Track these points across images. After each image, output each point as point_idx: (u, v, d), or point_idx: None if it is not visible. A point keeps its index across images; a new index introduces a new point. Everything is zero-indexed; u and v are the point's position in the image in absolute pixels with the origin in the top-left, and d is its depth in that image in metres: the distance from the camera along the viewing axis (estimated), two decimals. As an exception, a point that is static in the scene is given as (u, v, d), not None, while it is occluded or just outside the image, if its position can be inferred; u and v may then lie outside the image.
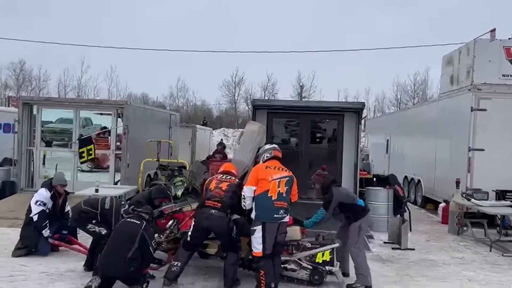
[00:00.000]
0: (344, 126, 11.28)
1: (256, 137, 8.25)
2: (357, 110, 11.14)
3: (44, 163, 13.61)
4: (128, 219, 5.66)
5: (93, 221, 6.42)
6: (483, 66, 11.33)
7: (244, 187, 5.69)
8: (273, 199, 5.51)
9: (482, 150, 10.50)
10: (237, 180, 6.13)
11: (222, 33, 67.94)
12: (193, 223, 5.77)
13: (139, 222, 5.52)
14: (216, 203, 5.71)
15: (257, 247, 5.44)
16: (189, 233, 5.75)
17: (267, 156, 5.87)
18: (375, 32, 68.06)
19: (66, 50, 67.05)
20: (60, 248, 7.26)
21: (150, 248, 5.45)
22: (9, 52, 59.43)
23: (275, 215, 5.48)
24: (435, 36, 48.14)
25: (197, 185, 7.82)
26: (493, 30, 11.65)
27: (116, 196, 8.03)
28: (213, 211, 5.66)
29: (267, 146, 6.09)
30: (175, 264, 5.72)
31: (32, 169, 11.70)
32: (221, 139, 28.20)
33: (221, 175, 6.12)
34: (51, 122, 22.00)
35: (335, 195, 6.17)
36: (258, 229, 5.43)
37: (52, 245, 7.15)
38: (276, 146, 6.15)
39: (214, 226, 5.67)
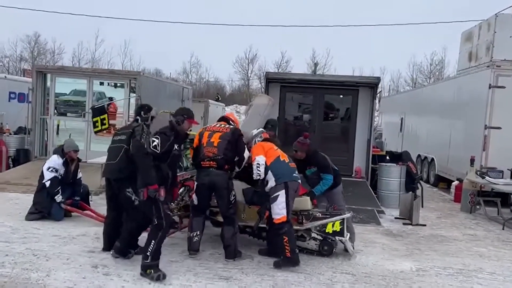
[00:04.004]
0: (359, 101, 11.14)
1: (264, 110, 8.16)
2: (372, 84, 10.97)
3: (58, 133, 13.73)
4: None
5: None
6: (504, 42, 11.01)
7: (256, 157, 5.59)
8: (286, 161, 5.66)
9: (499, 128, 10.31)
10: (231, 127, 5.91)
11: (236, 7, 66.95)
12: (195, 184, 5.75)
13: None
14: (211, 162, 5.61)
15: (281, 212, 5.40)
16: (194, 196, 5.76)
17: (258, 140, 5.93)
18: (393, 9, 66.61)
19: (80, 22, 66.91)
20: (72, 213, 7.36)
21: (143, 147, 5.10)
22: (24, 24, 59.62)
23: (294, 175, 5.60)
24: (454, 14, 46.97)
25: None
26: (516, 5, 11.31)
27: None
28: (211, 169, 5.62)
29: (255, 132, 6.10)
30: (194, 234, 5.71)
31: (46, 138, 11.82)
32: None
33: (215, 124, 5.97)
34: (66, 94, 22.19)
35: (327, 159, 6.30)
36: (282, 193, 5.41)
37: (65, 211, 7.24)
38: (262, 129, 6.25)
39: (215, 182, 5.58)
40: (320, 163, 6.26)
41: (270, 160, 5.56)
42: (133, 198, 5.38)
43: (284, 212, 5.40)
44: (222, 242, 5.72)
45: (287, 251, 5.39)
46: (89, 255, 5.55)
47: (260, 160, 5.53)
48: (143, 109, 5.83)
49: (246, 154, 5.85)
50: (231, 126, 5.93)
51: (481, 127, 10.51)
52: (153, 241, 4.89)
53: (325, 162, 6.28)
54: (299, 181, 5.69)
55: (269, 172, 5.52)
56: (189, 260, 5.55)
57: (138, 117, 5.81)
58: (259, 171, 5.51)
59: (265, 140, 5.95)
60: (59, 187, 7.10)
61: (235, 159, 5.77)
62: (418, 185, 10.13)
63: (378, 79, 11.07)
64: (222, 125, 5.92)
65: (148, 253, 4.87)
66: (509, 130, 10.20)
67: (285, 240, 5.39)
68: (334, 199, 6.41)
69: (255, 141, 5.95)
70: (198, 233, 5.73)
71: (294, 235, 5.58)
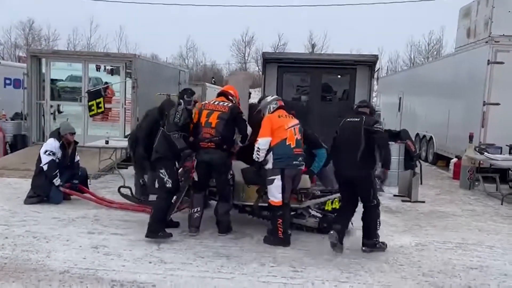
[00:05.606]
0: (357, 80, 11.01)
1: (243, 86, 8.11)
2: (370, 63, 10.84)
3: (55, 118, 13.66)
4: None
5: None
6: (502, 17, 10.90)
7: (259, 139, 5.48)
8: (292, 146, 5.47)
9: (498, 104, 10.26)
10: (229, 105, 5.79)
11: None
12: (195, 162, 5.74)
13: None
14: (209, 144, 5.61)
15: (277, 196, 5.39)
16: (195, 173, 5.75)
17: (273, 107, 5.73)
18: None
19: (74, 7, 65.98)
20: (72, 197, 7.34)
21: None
22: (18, 10, 58.89)
23: (294, 162, 5.46)
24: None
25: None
26: (515, -21, 11.16)
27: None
28: (210, 149, 5.63)
29: (269, 98, 5.89)
30: (195, 211, 5.74)
31: (43, 123, 11.76)
32: None
33: (214, 101, 5.87)
34: (62, 80, 22.03)
35: (316, 136, 6.32)
36: (278, 178, 5.35)
37: (64, 194, 7.22)
38: (277, 96, 6.05)
39: (214, 159, 5.61)
40: (311, 137, 6.22)
41: (274, 141, 5.44)
42: (165, 180, 5.55)
43: (280, 197, 5.39)
44: (215, 217, 5.79)
45: (280, 232, 5.43)
46: (89, 236, 5.56)
47: (262, 144, 5.40)
48: (186, 93, 5.91)
49: (250, 129, 5.80)
50: (230, 104, 5.82)
51: (479, 103, 10.46)
52: (378, 220, 5.34)
53: (315, 136, 6.27)
54: (301, 168, 5.58)
55: (271, 153, 5.43)
56: (190, 239, 5.56)
57: (181, 100, 5.83)
58: (258, 155, 5.42)
59: (280, 108, 5.74)
60: (57, 170, 7.07)
61: (234, 138, 5.77)
62: (417, 162, 10.14)
63: (376, 57, 10.92)
64: (221, 103, 5.82)
65: (377, 232, 5.34)
66: (508, 106, 10.16)
67: (279, 222, 5.42)
68: (326, 179, 6.41)
69: (269, 108, 5.73)
70: (198, 209, 5.74)
71: (289, 218, 5.62)
